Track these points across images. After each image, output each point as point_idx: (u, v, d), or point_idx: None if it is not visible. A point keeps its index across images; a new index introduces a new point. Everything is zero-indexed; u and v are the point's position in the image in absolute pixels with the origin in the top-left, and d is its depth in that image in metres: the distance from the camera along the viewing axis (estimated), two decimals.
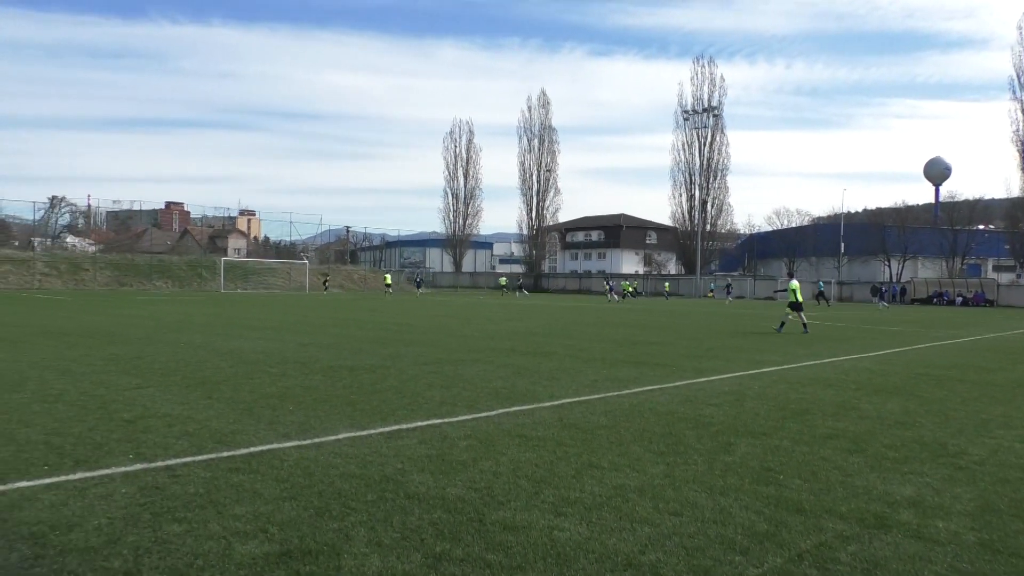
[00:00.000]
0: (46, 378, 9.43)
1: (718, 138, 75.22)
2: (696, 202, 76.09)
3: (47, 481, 5.00)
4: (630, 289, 57.82)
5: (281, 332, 17.57)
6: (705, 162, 75.65)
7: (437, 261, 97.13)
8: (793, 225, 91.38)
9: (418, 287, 63.37)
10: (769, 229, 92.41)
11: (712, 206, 75.99)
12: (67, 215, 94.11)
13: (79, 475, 5.15)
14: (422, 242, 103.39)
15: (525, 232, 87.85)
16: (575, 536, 4.14)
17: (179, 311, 26.83)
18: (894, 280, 66.34)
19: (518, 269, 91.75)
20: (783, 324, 22.03)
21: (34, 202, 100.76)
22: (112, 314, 23.98)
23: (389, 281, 60.16)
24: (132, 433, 6.37)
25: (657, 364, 11.99)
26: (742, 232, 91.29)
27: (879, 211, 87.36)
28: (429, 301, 45.80)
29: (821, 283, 54.97)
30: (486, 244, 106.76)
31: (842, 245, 70.48)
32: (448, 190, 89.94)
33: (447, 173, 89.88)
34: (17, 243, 70.57)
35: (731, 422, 7.35)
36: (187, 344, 14.03)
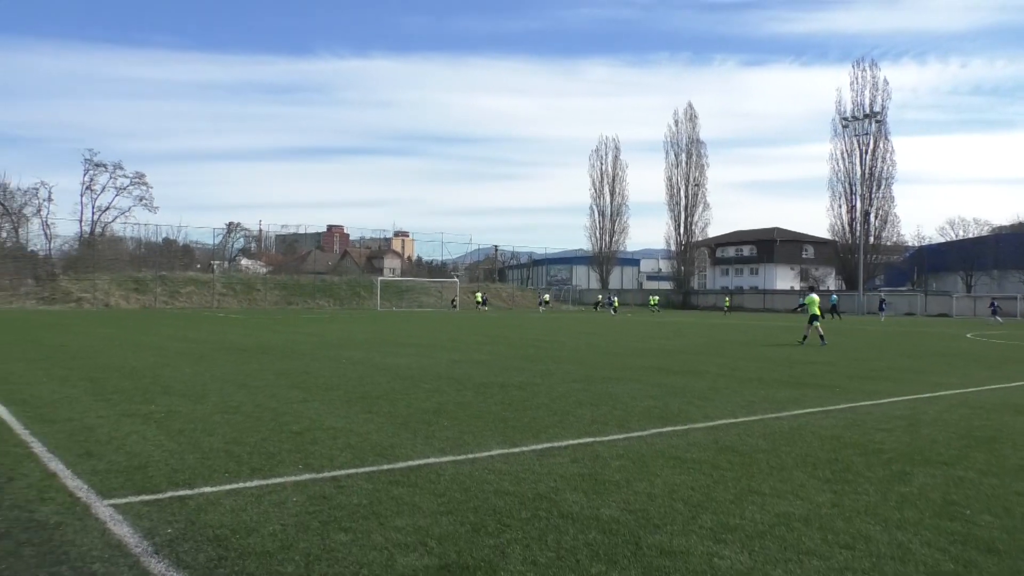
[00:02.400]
0: (226, 390, 10.00)
1: (881, 145, 71.33)
2: (857, 213, 72.22)
3: (228, 487, 5.30)
4: (653, 303, 64.31)
5: (433, 349, 18.05)
6: (867, 171, 71.74)
7: (584, 278, 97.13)
8: (970, 236, 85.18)
9: (608, 306, 62.56)
10: (942, 240, 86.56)
11: (876, 217, 71.90)
12: (241, 239, 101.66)
13: (255, 483, 5.42)
14: (568, 259, 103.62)
15: (673, 248, 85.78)
16: (737, 565, 3.95)
17: (340, 329, 28.08)
18: None
19: (666, 286, 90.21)
20: (823, 338, 22.25)
21: (213, 228, 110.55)
22: (281, 331, 25.47)
23: (480, 299, 61.93)
24: (301, 444, 6.63)
25: (819, 385, 11.43)
26: (910, 244, 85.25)
27: None
28: (575, 318, 45.89)
29: (834, 296, 51.40)
30: (633, 261, 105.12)
31: None
32: (594, 207, 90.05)
33: (593, 190, 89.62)
34: (199, 266, 76.96)
35: (905, 449, 6.87)
36: (348, 360, 14.61)
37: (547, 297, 66.24)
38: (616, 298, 65.22)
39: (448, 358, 15.43)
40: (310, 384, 10.74)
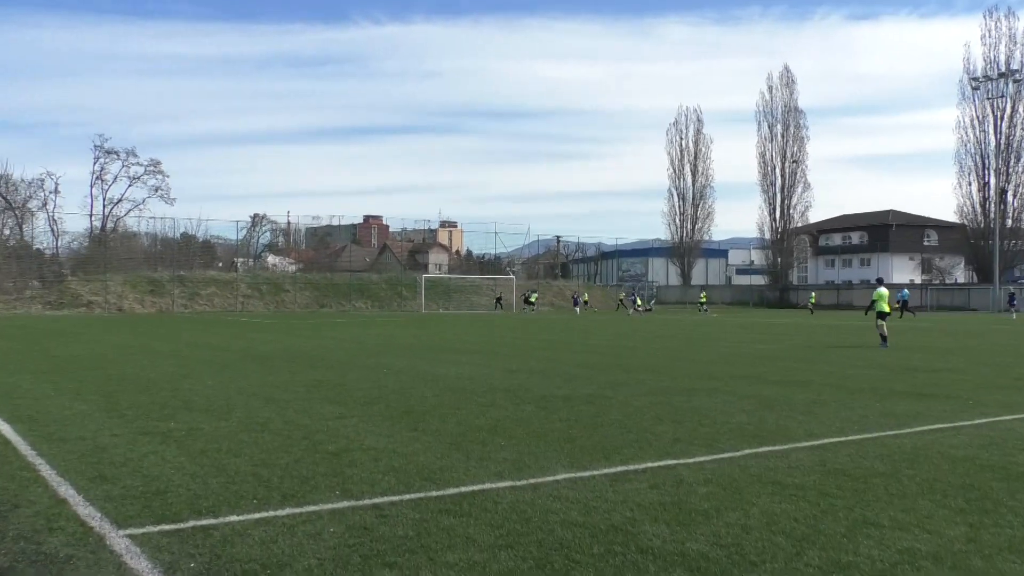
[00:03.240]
0: (252, 405, 10.24)
1: (1021, 110, 69.25)
2: (991, 192, 70.34)
3: (256, 516, 5.40)
4: (702, 300, 65.39)
5: (487, 356, 18.30)
6: (1003, 141, 69.87)
7: (661, 273, 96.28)
8: None
9: (631, 304, 62.56)
10: None
11: (1015, 196, 70.17)
12: (268, 234, 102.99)
13: (287, 511, 5.51)
14: (643, 251, 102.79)
15: (767, 236, 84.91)
16: None
17: (379, 333, 28.63)
18: None
19: (759, 281, 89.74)
20: (885, 338, 22.22)
21: (236, 221, 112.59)
22: (313, 336, 26.07)
23: (534, 299, 62.76)
24: (337, 467, 6.74)
25: (946, 396, 11.20)
26: None
27: None
28: (652, 320, 45.60)
29: (905, 291, 51.46)
30: (719, 252, 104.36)
31: None
32: (673, 190, 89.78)
33: (672, 170, 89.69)
34: (221, 264, 78.43)
35: None
36: (389, 369, 14.88)
37: (639, 300, 63.25)
38: (638, 295, 66.19)
39: (503, 367, 15.58)
40: (347, 397, 10.89)
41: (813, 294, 68.55)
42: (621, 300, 67.18)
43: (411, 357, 17.82)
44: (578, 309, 63.04)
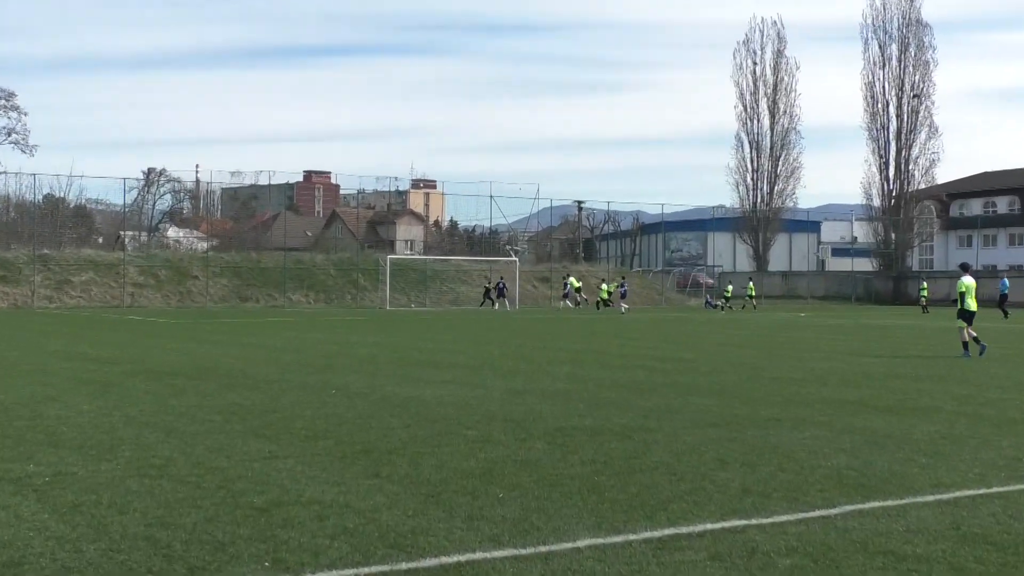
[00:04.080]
0: (146, 440, 10.19)
1: None
2: None
3: None
4: (727, 294, 68.05)
5: (481, 372, 18.35)
6: None
7: (726, 253, 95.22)
8: None
9: (714, 301, 64.23)
10: None
11: None
12: (168, 196, 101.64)
13: None
14: (699, 224, 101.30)
15: (876, 203, 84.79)
16: None
17: (327, 339, 28.82)
18: None
19: (865, 266, 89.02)
20: (967, 345, 22.61)
21: (123, 180, 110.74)
22: (232, 343, 26.25)
23: (578, 285, 65.17)
24: (267, 528, 6.70)
25: None
26: None
27: None
28: (712, 321, 46.84)
29: (1005, 282, 53.13)
30: (808, 225, 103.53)
31: None
32: (743, 136, 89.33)
33: (741, 108, 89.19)
34: (102, 239, 77.50)
35: None
36: (340, 391, 14.81)
37: (728, 292, 65.43)
38: (722, 289, 68.57)
39: (504, 387, 15.61)
40: (280, 430, 10.92)
41: (924, 284, 68.34)
42: (710, 300, 68.49)
43: (372, 373, 17.85)
44: (567, 301, 64.95)
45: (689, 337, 31.96)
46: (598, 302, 62.79)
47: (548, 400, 13.94)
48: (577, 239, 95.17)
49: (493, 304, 62.93)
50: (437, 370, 18.62)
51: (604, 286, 64.38)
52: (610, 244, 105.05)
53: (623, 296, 60.17)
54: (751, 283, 70.46)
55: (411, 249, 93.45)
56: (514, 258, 74.94)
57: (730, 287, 70.09)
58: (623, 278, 68.58)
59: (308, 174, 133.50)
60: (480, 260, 75.91)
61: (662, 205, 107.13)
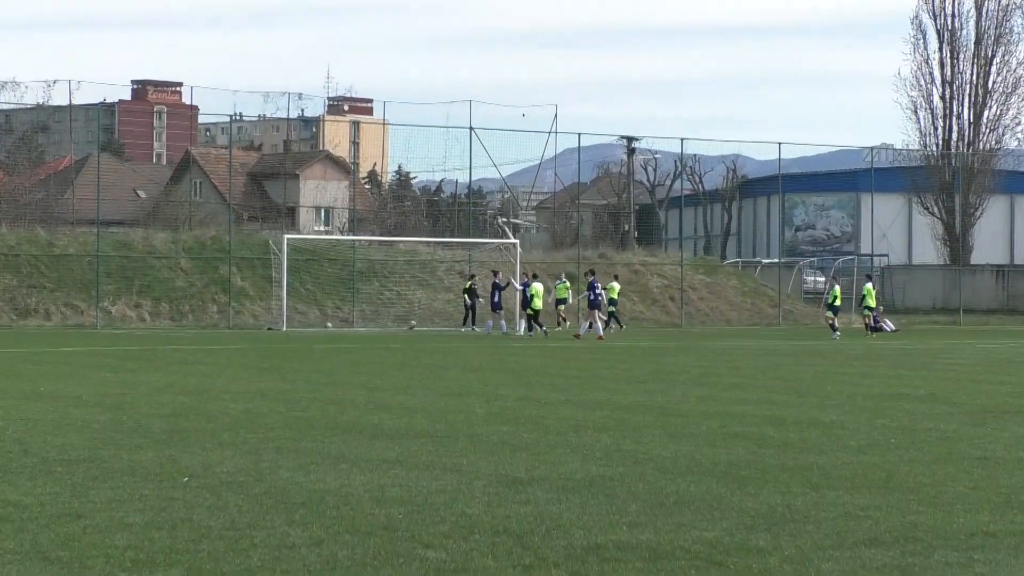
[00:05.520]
0: None
1: None
2: None
3: None
4: (833, 297, 57.83)
5: (453, 445, 16.98)
6: None
7: (896, 230, 78.54)
8: None
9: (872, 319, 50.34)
10: None
11: None
12: None
13: None
14: (845, 178, 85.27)
15: None
16: None
17: (176, 384, 27.24)
18: None
19: None
20: None
21: None
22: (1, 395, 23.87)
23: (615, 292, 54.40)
24: None
25: None
26: None
27: None
28: (875, 353, 43.42)
29: None
30: None
31: None
32: (925, 19, 73.15)
33: None
34: None
35: None
36: (198, 479, 13.49)
37: (827, 306, 54.76)
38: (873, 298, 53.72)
39: (494, 472, 14.30)
40: (83, 554, 9.53)
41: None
42: (875, 316, 58.01)
43: (255, 446, 16.36)
44: (520, 328, 55.37)
45: (825, 382, 30.49)
46: (560, 319, 57.50)
47: (572, 497, 12.30)
48: (626, 205, 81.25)
49: (471, 318, 56.10)
50: (374, 441, 17.00)
51: (537, 287, 55.26)
52: (684, 215, 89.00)
53: (593, 304, 52.75)
54: (868, 285, 58.67)
55: (326, 223, 79.91)
56: (512, 239, 65.05)
57: (837, 288, 58.90)
58: (591, 273, 57.57)
59: (141, 87, 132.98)
60: (453, 242, 66.96)
61: (778, 146, 79.89)
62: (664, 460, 15.95)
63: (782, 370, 36.10)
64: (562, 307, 57.59)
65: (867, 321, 56.49)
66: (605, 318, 55.15)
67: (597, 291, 54.17)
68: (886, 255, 77.68)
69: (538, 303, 54.97)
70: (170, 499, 12.51)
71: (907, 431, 20.16)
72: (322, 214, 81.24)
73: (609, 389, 29.31)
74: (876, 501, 12.78)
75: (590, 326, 53.93)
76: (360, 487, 13.41)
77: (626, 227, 74.26)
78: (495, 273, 56.80)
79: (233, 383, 28.46)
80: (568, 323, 57.29)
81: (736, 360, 40.38)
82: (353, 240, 64.85)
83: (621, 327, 56.99)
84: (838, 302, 56.05)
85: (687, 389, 28.58)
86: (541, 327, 54.20)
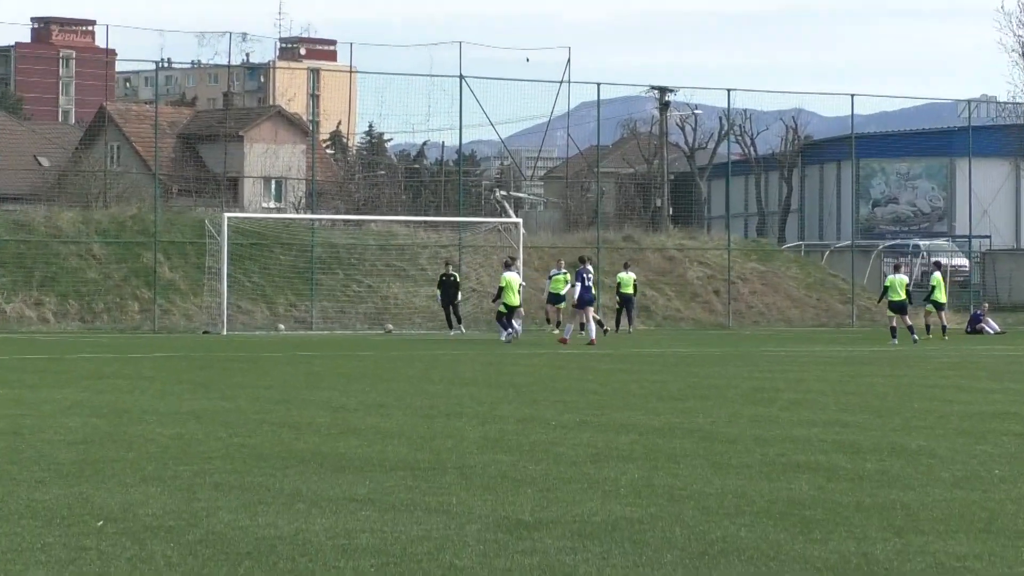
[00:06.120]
0: None
1: None
2: None
3: None
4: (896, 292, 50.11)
5: (438, 479, 16.54)
6: None
7: (1002, 204, 77.47)
8: None
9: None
10: None
11: None
12: None
13: None
14: (936, 140, 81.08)
15: None
16: None
17: (88, 402, 26.59)
18: None
19: None
20: None
21: None
22: None
23: (631, 284, 52.24)
24: None
25: None
26: None
27: None
28: (980, 361, 41.05)
29: None
30: None
31: None
32: None
33: None
34: None
35: None
36: (113, 522, 13.24)
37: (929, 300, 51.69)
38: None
39: (491, 513, 13.86)
40: None
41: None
42: (979, 315, 56.26)
43: (188, 481, 16.00)
44: (558, 327, 52.71)
45: (911, 398, 29.69)
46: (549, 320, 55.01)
47: (590, 544, 11.57)
48: (658, 174, 77.41)
49: (455, 320, 54.48)
50: (339, 475, 16.61)
51: (510, 277, 54.96)
52: (732, 186, 78.42)
53: (584, 300, 50.85)
54: (936, 275, 57.45)
55: (278, 199, 74.46)
56: (514, 218, 63.12)
57: (936, 276, 56.98)
58: (583, 261, 55.76)
59: (43, 26, 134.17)
60: (438, 222, 63.66)
61: (851, 99, 77.51)
62: (707, 498, 15.47)
63: (856, 383, 35.08)
64: (561, 304, 55.69)
65: (928, 320, 54.15)
66: (599, 317, 53.55)
67: (588, 284, 52.47)
68: (988, 236, 73.08)
69: (513, 298, 53.98)
70: (81, 548, 12.04)
71: (1014, 460, 19.69)
72: (272, 187, 74.09)
73: (637, 408, 29.08)
74: (975, 549, 12.20)
75: (582, 327, 52.76)
76: (321, 533, 12.91)
77: (658, 202, 69.64)
78: (512, 259, 54.92)
79: (160, 402, 28.01)
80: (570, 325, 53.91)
81: (798, 371, 39.46)
82: (312, 219, 62.03)
83: (604, 330, 55.21)
84: (942, 296, 53.60)
85: (736, 408, 28.28)
86: (514, 328, 53.71)
